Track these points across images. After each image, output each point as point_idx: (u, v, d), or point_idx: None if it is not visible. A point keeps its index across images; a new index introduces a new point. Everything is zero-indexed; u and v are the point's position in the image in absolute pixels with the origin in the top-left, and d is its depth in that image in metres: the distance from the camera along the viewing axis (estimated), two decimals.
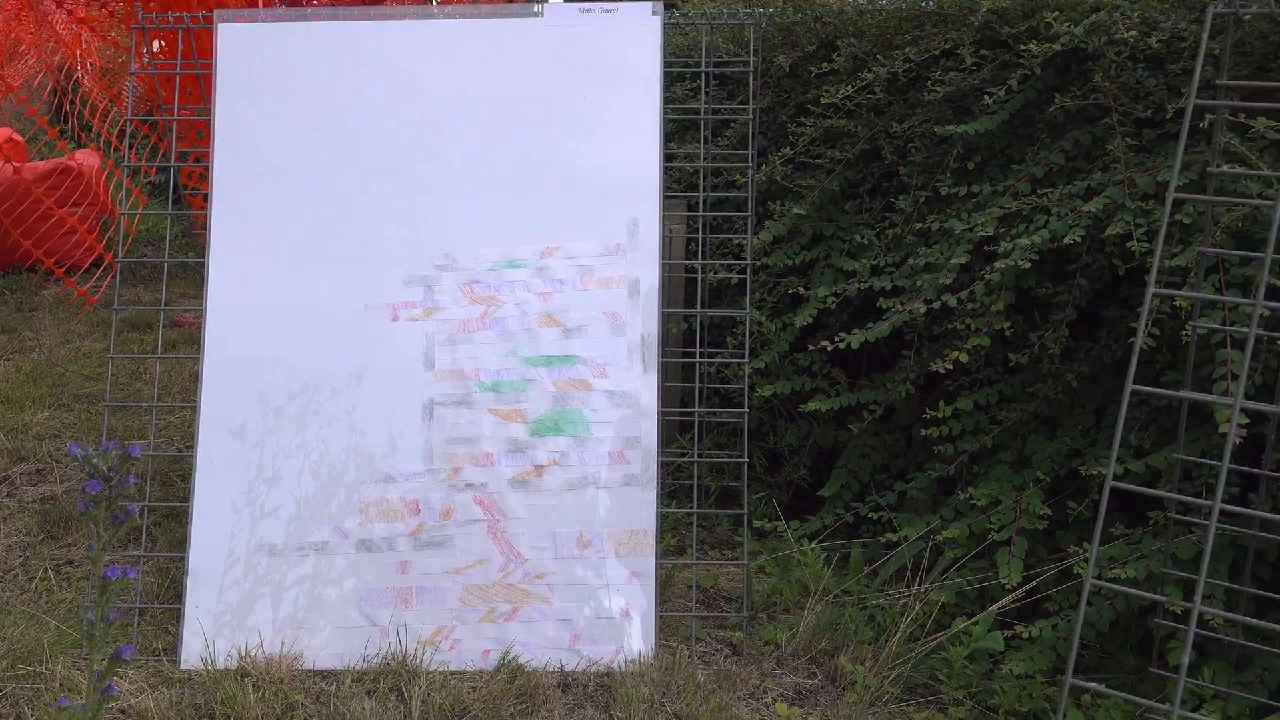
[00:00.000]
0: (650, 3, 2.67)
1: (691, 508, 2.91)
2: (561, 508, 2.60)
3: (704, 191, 3.17)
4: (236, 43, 2.73)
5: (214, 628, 2.56)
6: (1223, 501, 2.29)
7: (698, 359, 2.87)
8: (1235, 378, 2.18)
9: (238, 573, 2.61)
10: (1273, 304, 1.83)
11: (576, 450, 2.61)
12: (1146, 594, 2.09)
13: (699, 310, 2.91)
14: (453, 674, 2.48)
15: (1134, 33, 2.53)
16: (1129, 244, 2.43)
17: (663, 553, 3.11)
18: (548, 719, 2.30)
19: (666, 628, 2.70)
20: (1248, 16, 1.89)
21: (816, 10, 3.55)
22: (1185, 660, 1.80)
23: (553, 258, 2.66)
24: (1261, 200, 2.00)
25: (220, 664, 2.51)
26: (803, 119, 3.33)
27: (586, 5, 2.68)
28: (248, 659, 2.50)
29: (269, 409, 2.67)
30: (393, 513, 2.60)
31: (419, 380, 2.64)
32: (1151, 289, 1.90)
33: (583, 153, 2.68)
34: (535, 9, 2.72)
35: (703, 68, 2.88)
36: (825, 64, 3.36)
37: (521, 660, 2.52)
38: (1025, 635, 2.43)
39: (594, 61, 2.70)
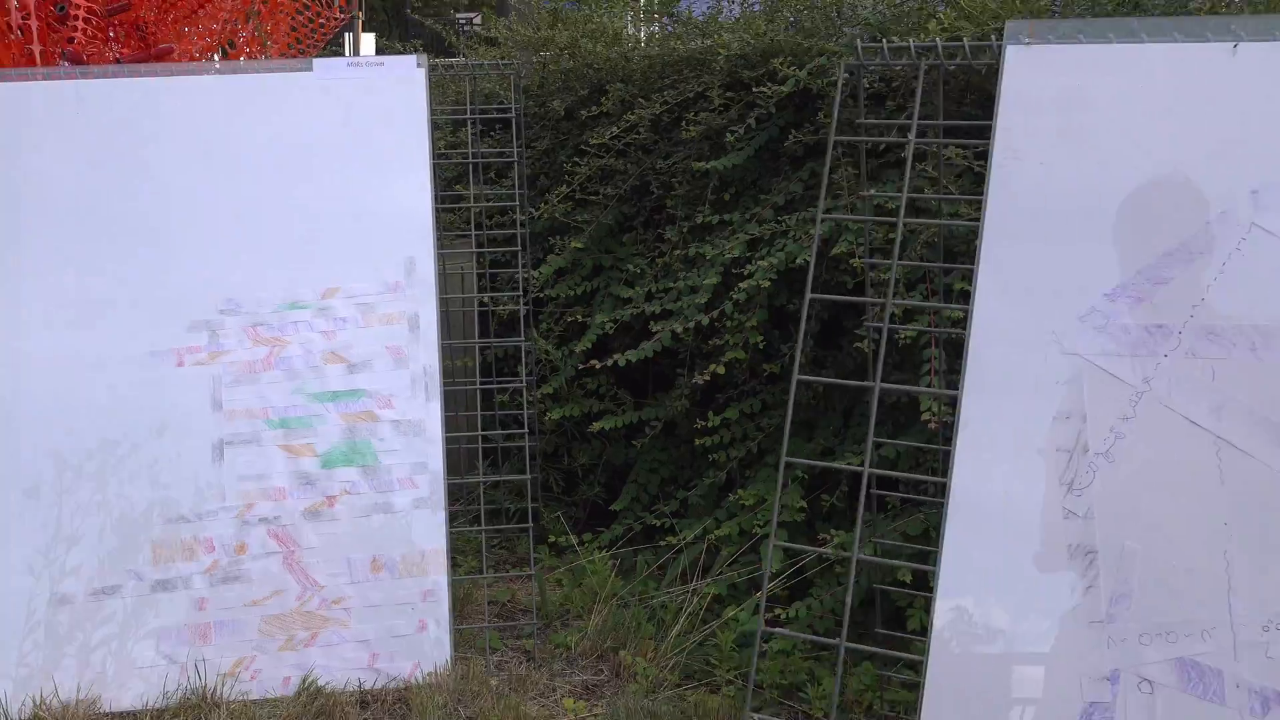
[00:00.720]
0: (415, 55, 2.86)
1: (494, 527, 3.07)
2: (355, 534, 2.73)
3: (476, 230, 3.36)
4: (5, 100, 2.77)
5: (15, 692, 2.56)
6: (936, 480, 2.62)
7: (478, 386, 3.05)
8: (939, 372, 2.51)
9: (39, 635, 2.62)
10: (900, 301, 2.15)
11: (366, 479, 2.75)
12: (817, 549, 2.38)
13: (477, 340, 3.09)
14: (253, 702, 2.57)
15: (848, 75, 2.87)
16: (852, 261, 2.75)
17: (466, 572, 3.27)
18: None
19: (465, 642, 2.85)
20: (872, 67, 2.22)
21: (587, 58, 3.81)
22: (848, 599, 2.07)
23: (334, 298, 2.80)
24: (882, 218, 2.33)
25: (15, 714, 2.52)
26: (577, 159, 3.57)
27: (355, 59, 2.86)
28: (43, 707, 2.53)
29: (65, 465, 2.69)
30: (188, 552, 2.67)
31: (208, 422, 2.72)
32: (808, 295, 2.18)
33: (360, 197, 2.84)
34: (307, 64, 2.87)
35: (468, 115, 3.08)
36: (595, 107, 3.61)
37: (322, 683, 2.63)
38: (784, 616, 2.70)
39: (366, 111, 2.86)
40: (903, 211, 1.96)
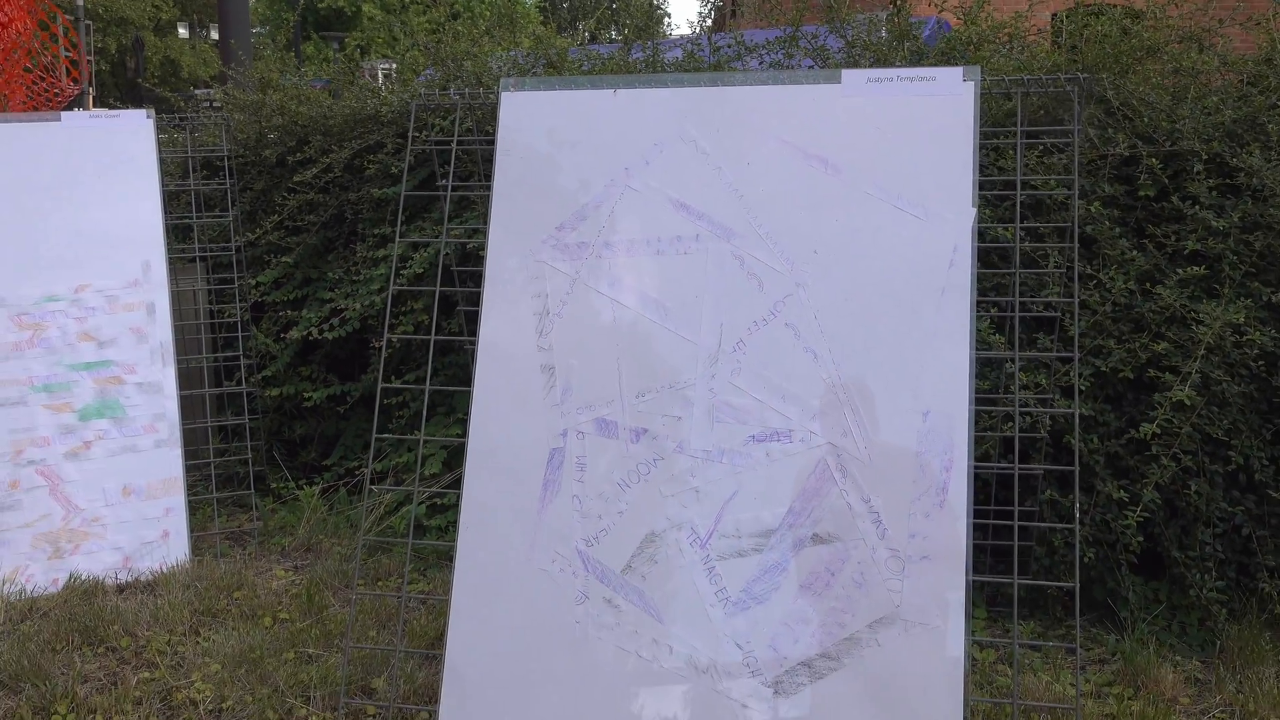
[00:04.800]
0: (145, 110, 3.78)
1: (223, 458, 3.95)
2: (108, 469, 3.56)
3: (201, 252, 4.26)
4: None
5: None
6: None
7: (205, 359, 3.94)
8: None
9: None
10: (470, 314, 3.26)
11: (116, 427, 3.60)
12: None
13: (204, 321, 3.98)
14: (31, 597, 3.35)
15: (419, 113, 4.01)
16: (482, 254, 3.86)
17: (204, 518, 4.11)
18: (105, 603, 3.25)
19: (201, 550, 3.71)
20: (433, 107, 3.33)
21: (294, 116, 4.80)
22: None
23: (85, 292, 3.65)
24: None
25: None
26: (287, 195, 4.55)
27: (97, 112, 3.75)
28: None
29: None
30: None
31: None
32: (437, 287, 3.26)
33: (104, 217, 3.71)
34: (56, 116, 3.73)
35: (189, 154, 4.02)
36: (300, 154, 4.60)
37: (84, 579, 3.44)
38: (440, 504, 3.73)
39: (103, 154, 3.74)
40: (446, 209, 3.08)
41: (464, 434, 3.89)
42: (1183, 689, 2.72)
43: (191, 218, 4.25)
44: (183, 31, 35.00)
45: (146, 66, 29.40)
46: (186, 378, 4.13)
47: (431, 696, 2.64)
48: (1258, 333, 2.99)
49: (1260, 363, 3.02)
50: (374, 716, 2.64)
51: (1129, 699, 2.66)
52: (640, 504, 2.48)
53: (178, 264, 4.40)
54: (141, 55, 27.47)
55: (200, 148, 4.31)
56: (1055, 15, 4.17)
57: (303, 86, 4.92)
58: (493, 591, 2.50)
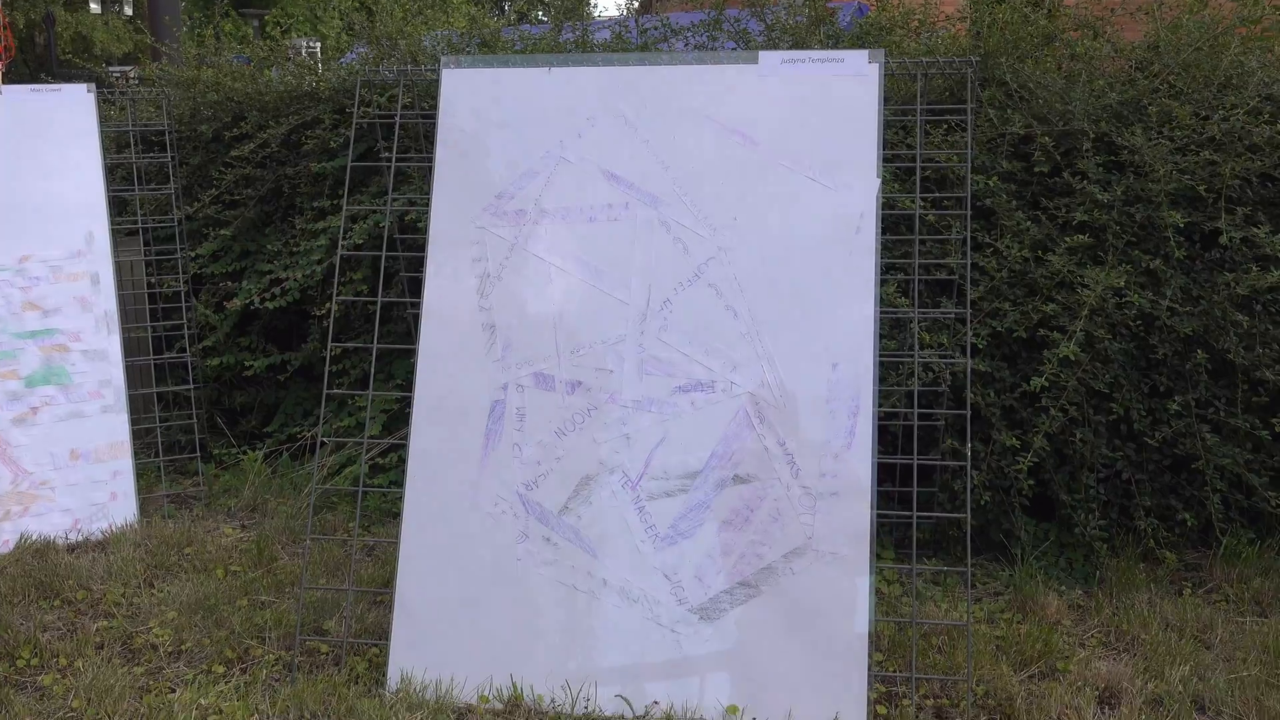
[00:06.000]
0: (85, 85, 3.87)
1: (167, 423, 4.06)
2: (56, 434, 3.66)
3: (141, 226, 4.36)
4: None
5: None
6: None
7: (149, 325, 4.05)
8: None
9: None
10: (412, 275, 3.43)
11: (63, 394, 3.70)
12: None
13: (146, 291, 4.08)
14: None
15: (363, 90, 4.15)
16: (419, 224, 4.02)
17: (148, 482, 4.21)
18: (58, 560, 3.36)
19: (149, 511, 3.83)
20: (376, 82, 3.49)
21: (229, 92, 4.89)
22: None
23: (29, 262, 3.74)
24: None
25: None
26: (224, 169, 4.65)
27: (36, 86, 3.82)
28: None
29: None
30: None
31: None
32: (384, 251, 3.42)
33: (47, 189, 3.80)
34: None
35: (130, 128, 4.11)
36: (237, 129, 4.70)
37: (35, 539, 3.54)
38: (382, 464, 3.90)
39: (43, 128, 3.82)
40: (393, 170, 3.24)
41: (403, 397, 4.08)
42: (1066, 614, 3.02)
43: (132, 190, 4.33)
44: (95, 7, 34.04)
45: (57, 43, 28.58)
46: (128, 347, 4.23)
47: (381, 634, 2.83)
48: (1137, 296, 3.29)
49: (1139, 323, 3.33)
50: (328, 654, 2.81)
51: (1018, 623, 2.94)
52: (576, 450, 2.69)
53: (117, 236, 4.48)
54: (53, 31, 26.75)
55: (139, 123, 4.39)
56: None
57: (235, 64, 5.01)
58: (440, 533, 2.69)
